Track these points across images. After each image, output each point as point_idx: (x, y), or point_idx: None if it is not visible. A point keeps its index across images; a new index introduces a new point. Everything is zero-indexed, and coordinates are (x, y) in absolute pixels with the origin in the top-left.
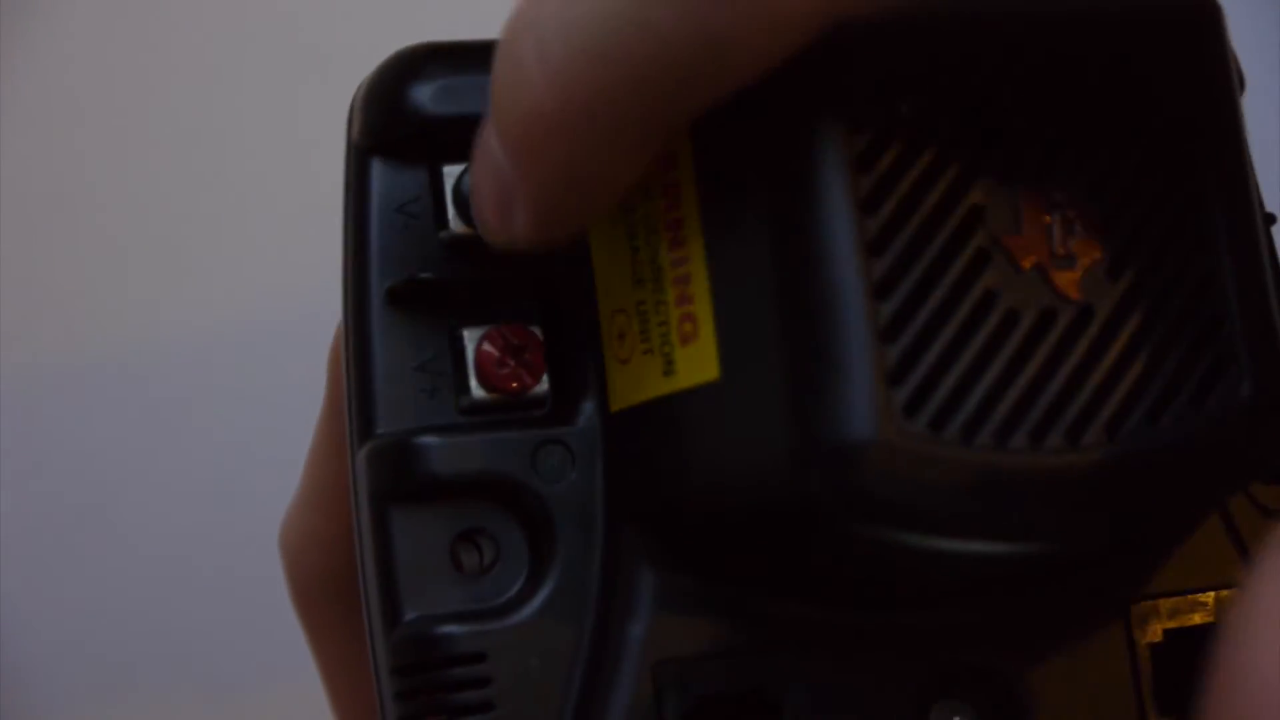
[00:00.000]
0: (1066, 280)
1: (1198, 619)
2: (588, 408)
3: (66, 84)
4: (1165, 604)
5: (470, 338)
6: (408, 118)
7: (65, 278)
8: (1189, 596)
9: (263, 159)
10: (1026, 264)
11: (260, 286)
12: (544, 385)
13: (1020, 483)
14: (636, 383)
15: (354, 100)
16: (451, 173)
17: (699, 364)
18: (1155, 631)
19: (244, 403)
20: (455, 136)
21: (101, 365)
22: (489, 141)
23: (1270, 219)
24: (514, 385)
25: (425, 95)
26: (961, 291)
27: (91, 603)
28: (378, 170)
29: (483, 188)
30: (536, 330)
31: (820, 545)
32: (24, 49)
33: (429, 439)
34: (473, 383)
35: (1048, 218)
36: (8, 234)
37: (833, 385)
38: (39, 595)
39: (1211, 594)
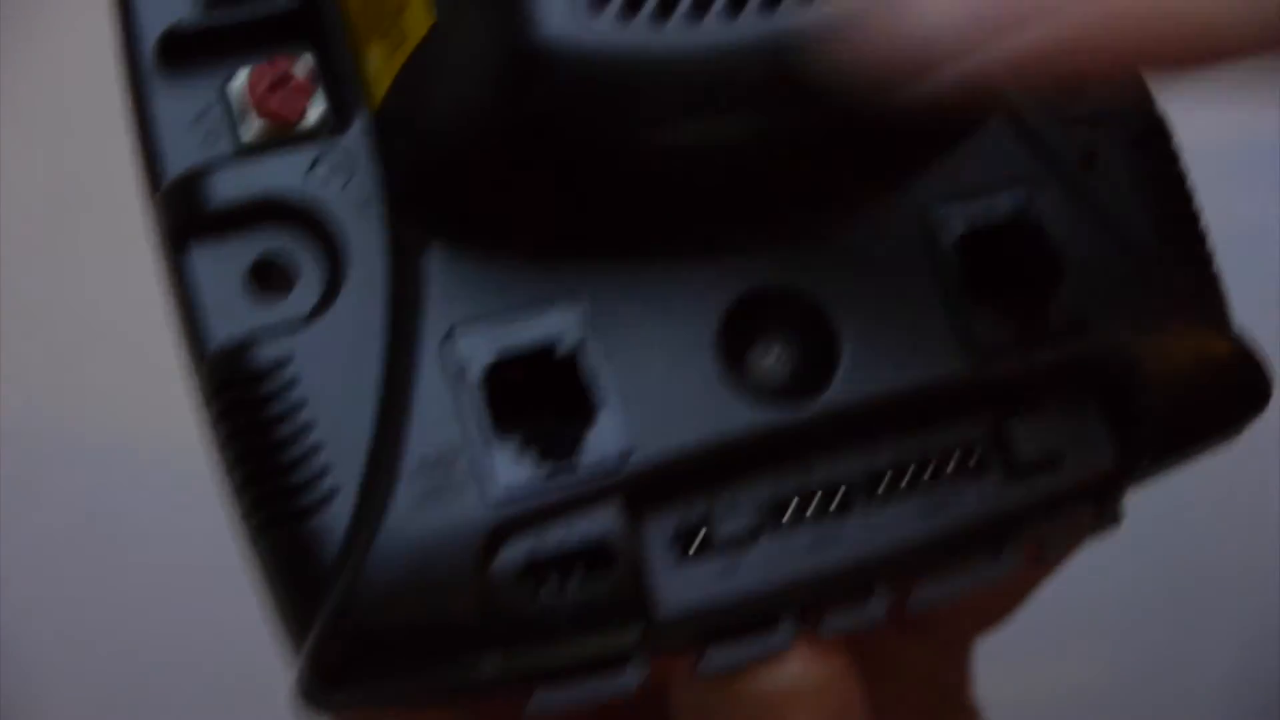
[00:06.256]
0: None
1: (996, 218)
2: (360, 118)
3: (65, 84)
4: (962, 206)
5: (240, 75)
6: None
7: (65, 279)
8: (984, 198)
9: None
10: None
11: None
12: (319, 107)
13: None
14: (381, 71)
15: None
16: None
17: (417, 20)
18: (956, 230)
19: None
20: None
21: (102, 366)
22: None
23: None
24: (286, 111)
25: None
26: None
27: (95, 605)
28: None
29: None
30: (309, 57)
31: (546, 161)
32: (24, 49)
33: (213, 171)
34: (249, 115)
35: None
36: (8, 235)
37: None
38: (41, 597)
39: (1007, 192)
